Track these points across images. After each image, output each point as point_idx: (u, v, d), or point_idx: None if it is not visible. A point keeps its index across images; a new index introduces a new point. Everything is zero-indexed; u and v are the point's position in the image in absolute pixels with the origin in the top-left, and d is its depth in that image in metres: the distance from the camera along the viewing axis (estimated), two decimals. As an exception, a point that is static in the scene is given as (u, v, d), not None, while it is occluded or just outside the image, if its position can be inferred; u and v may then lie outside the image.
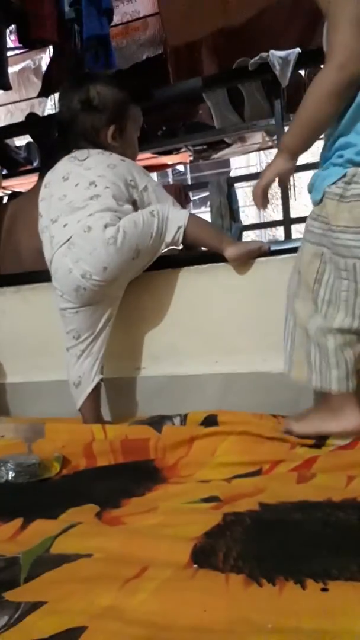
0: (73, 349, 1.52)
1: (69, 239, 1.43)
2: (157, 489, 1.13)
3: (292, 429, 1.24)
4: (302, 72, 2.51)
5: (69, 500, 1.08)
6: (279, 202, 2.82)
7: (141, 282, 1.60)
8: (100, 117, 1.54)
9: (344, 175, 1.10)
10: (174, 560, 0.81)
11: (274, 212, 3.64)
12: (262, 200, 1.28)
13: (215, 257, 1.57)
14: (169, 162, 3.19)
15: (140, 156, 2.55)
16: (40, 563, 0.84)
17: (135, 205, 1.53)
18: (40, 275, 1.72)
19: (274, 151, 3.28)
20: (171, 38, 2.64)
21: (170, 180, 3.70)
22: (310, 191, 1.21)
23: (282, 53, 2.26)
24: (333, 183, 1.12)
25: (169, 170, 3.66)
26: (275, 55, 2.26)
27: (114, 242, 1.41)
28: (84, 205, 1.44)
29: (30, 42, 2.51)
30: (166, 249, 1.52)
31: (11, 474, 1.20)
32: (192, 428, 1.34)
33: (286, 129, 2.45)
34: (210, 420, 1.36)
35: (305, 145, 1.18)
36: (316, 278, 1.19)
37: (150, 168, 3.06)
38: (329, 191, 1.13)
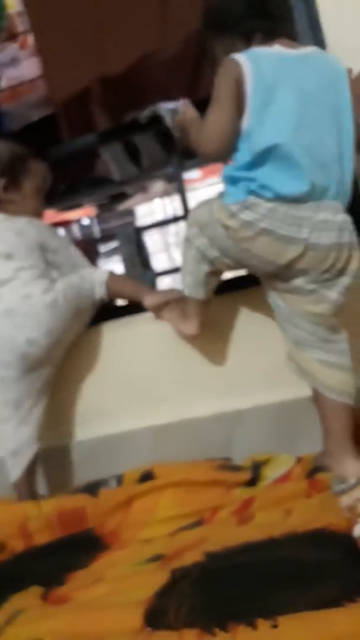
0: (11, 419, 1.52)
1: (7, 310, 1.47)
2: (101, 557, 1.14)
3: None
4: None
5: (10, 587, 1.07)
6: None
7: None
8: None
9: (244, 202, 1.25)
10: (128, 627, 0.83)
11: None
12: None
13: (133, 308, 1.64)
14: (73, 218, 3.27)
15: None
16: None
17: (51, 266, 1.58)
18: None
19: (177, 196, 3.45)
20: (54, 92, 2.75)
21: (77, 234, 3.79)
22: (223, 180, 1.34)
23: (170, 105, 2.43)
24: (232, 202, 1.27)
25: (75, 225, 3.74)
26: (164, 107, 2.43)
27: (56, 305, 1.49)
28: (13, 276, 1.50)
29: None
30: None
31: None
32: (128, 488, 1.37)
33: (185, 175, 2.61)
34: (146, 476, 1.40)
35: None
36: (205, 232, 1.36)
37: (55, 225, 3.11)
38: (225, 206, 1.28)
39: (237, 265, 1.37)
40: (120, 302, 1.75)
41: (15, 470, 1.51)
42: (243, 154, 1.25)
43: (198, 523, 1.18)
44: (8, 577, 1.15)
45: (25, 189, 1.64)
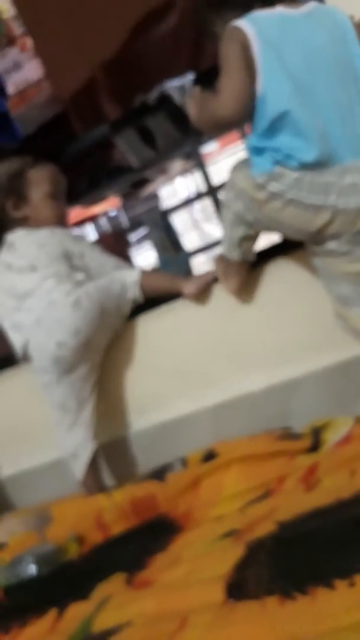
0: (62, 422, 1.59)
1: (38, 319, 1.54)
2: (177, 539, 1.20)
3: None
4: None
5: (96, 576, 1.14)
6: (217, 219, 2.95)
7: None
8: None
9: (270, 172, 1.26)
10: (211, 601, 0.88)
11: (215, 231, 3.79)
12: None
13: (168, 296, 1.67)
14: (99, 211, 3.31)
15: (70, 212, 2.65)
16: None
17: (77, 270, 1.62)
18: (3, 361, 1.79)
19: (198, 172, 3.44)
20: (59, 90, 2.78)
21: (106, 227, 3.83)
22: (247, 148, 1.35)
23: (177, 82, 2.42)
24: (259, 172, 1.27)
25: (104, 218, 3.78)
26: (171, 86, 2.42)
27: (79, 305, 1.53)
28: (38, 286, 1.56)
29: None
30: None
31: (33, 568, 1.25)
32: (194, 469, 1.42)
33: (203, 148, 2.61)
34: (209, 456, 1.44)
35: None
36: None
37: (82, 221, 3.16)
38: (253, 177, 1.28)
39: (270, 230, 1.39)
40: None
41: (78, 470, 1.58)
42: (261, 121, 1.24)
43: (266, 495, 1.22)
44: (93, 567, 1.22)
45: (35, 199, 1.66)
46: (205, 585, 0.94)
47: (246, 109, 1.24)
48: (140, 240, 4.01)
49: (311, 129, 1.21)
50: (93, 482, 1.58)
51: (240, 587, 0.89)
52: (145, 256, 3.62)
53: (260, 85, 1.22)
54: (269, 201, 1.26)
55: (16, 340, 1.60)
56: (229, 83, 1.24)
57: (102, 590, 1.08)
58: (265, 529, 1.05)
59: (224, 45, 1.26)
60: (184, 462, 1.50)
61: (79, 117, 3.04)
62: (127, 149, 2.81)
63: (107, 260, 1.69)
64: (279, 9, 1.26)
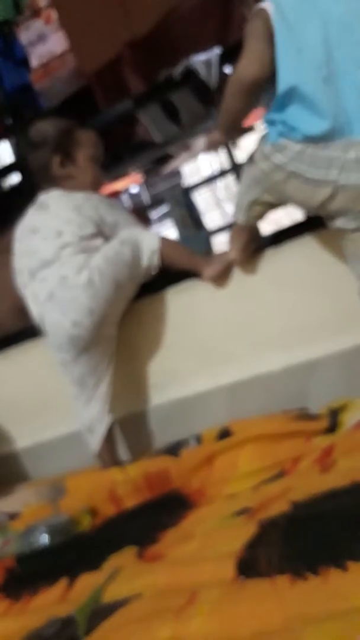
0: (80, 397, 1.58)
1: (50, 294, 1.51)
2: (189, 515, 1.19)
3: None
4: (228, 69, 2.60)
5: (107, 548, 1.14)
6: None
7: (125, 314, 1.67)
8: (44, 152, 1.61)
9: (277, 143, 1.26)
10: (221, 577, 0.87)
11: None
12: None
13: (188, 273, 1.65)
14: (121, 188, 3.28)
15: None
16: (96, 614, 0.89)
17: (107, 239, 1.59)
18: (23, 333, 1.79)
19: (221, 151, 3.38)
20: (84, 64, 2.74)
21: (127, 204, 3.80)
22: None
23: (203, 57, 2.36)
24: (270, 141, 1.28)
25: (125, 195, 3.75)
26: (197, 60, 2.37)
27: (91, 284, 1.48)
28: (56, 256, 1.52)
29: None
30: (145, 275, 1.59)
31: (46, 538, 1.26)
32: (208, 446, 1.41)
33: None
34: (224, 434, 1.43)
35: (230, 130, 1.42)
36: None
37: (104, 197, 3.14)
38: (261, 146, 1.32)
39: (282, 201, 1.38)
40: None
41: (94, 443, 1.58)
42: (275, 94, 1.24)
43: (280, 474, 1.20)
44: (105, 539, 1.22)
45: (80, 160, 1.62)
46: (216, 561, 0.93)
47: (269, 68, 1.23)
48: (161, 218, 3.97)
49: (325, 101, 1.20)
50: (108, 455, 1.58)
51: (251, 564, 0.88)
52: (166, 234, 3.59)
53: (275, 60, 1.23)
54: (272, 172, 1.28)
55: (34, 311, 1.59)
56: (248, 49, 1.26)
57: (113, 562, 1.08)
58: (279, 508, 1.03)
59: (249, 24, 1.28)
60: (199, 438, 1.49)
61: (102, 91, 3.00)
62: (151, 124, 2.76)
63: (136, 226, 1.65)
64: None
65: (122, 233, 1.57)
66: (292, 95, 1.22)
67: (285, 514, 1.01)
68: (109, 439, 1.59)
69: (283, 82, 1.22)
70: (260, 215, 1.44)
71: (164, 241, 1.59)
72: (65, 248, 1.51)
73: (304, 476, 1.15)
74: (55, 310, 1.51)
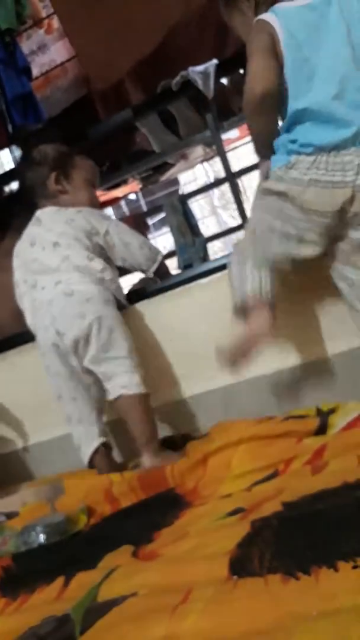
0: (69, 415, 1.58)
1: (49, 301, 1.53)
2: (184, 514, 1.19)
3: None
4: (224, 80, 2.62)
5: (103, 547, 1.13)
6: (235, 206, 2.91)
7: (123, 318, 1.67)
8: (43, 169, 1.68)
9: (287, 163, 1.26)
10: (214, 577, 0.87)
11: (232, 217, 3.75)
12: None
13: (186, 279, 1.65)
14: (120, 195, 3.29)
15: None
16: (91, 613, 0.89)
17: (102, 250, 1.63)
18: (21, 337, 1.78)
19: (217, 160, 3.40)
20: (96, 83, 2.75)
21: (126, 211, 3.81)
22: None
23: (200, 68, 2.37)
24: (277, 167, 1.29)
25: (123, 202, 3.76)
26: (195, 71, 2.38)
27: (85, 317, 1.49)
28: (57, 266, 1.55)
29: None
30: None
31: (42, 537, 1.25)
32: (203, 446, 1.40)
33: (223, 136, 2.57)
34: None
35: (261, 150, 1.38)
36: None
37: (103, 204, 3.15)
38: (272, 172, 1.30)
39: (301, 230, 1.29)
40: (175, 272, 1.77)
41: (84, 460, 1.56)
42: (285, 114, 1.26)
43: (273, 475, 1.20)
44: (101, 538, 1.22)
45: (76, 180, 1.70)
46: (210, 560, 0.92)
47: (275, 86, 1.23)
48: (157, 225, 3.98)
49: (337, 114, 1.20)
50: (103, 464, 1.56)
51: (243, 564, 0.88)
52: (162, 240, 3.59)
53: (285, 81, 1.23)
54: (291, 189, 1.25)
55: (28, 314, 1.61)
56: (256, 64, 1.25)
57: (109, 560, 1.08)
58: (271, 508, 1.03)
59: (253, 35, 1.27)
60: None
61: (103, 100, 3.01)
62: (149, 133, 2.77)
63: (132, 239, 1.68)
64: (300, 1, 1.25)
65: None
66: (302, 115, 1.23)
67: (277, 513, 1.01)
68: (102, 454, 1.56)
69: (295, 103, 1.22)
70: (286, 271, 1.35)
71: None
72: (65, 260, 1.55)
73: (296, 477, 1.15)
74: (47, 316, 1.52)
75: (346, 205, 1.22)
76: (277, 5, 1.27)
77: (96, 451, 1.55)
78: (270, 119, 1.30)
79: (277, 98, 1.25)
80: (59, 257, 1.55)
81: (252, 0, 1.34)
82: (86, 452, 1.55)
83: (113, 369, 1.49)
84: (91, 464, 1.56)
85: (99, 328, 1.48)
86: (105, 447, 1.56)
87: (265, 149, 1.36)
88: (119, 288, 1.66)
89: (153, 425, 1.53)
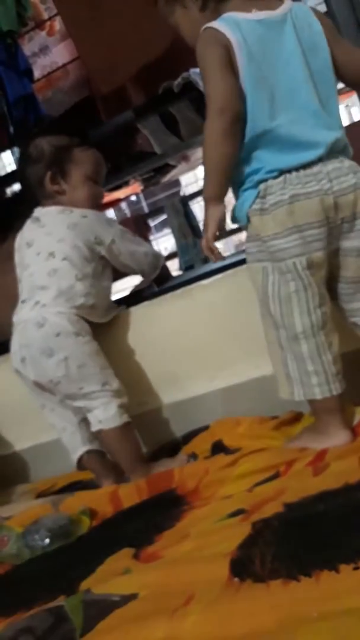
0: (49, 421, 1.58)
1: (24, 321, 1.49)
2: (185, 516, 1.18)
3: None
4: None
5: (104, 550, 1.13)
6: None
7: (124, 320, 1.67)
8: (40, 168, 1.60)
9: (258, 193, 1.19)
10: (215, 578, 0.87)
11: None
12: (215, 253, 1.25)
13: (188, 280, 1.65)
14: (121, 196, 3.28)
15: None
16: (92, 615, 0.88)
17: (104, 260, 1.59)
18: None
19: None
20: (101, 87, 2.74)
21: (127, 212, 3.81)
22: (234, 221, 1.28)
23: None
24: (251, 204, 1.20)
25: (124, 203, 3.76)
26: (196, 72, 2.38)
27: (53, 356, 1.44)
28: (43, 284, 1.49)
29: None
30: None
31: (47, 541, 1.23)
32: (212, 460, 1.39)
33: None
34: (217, 446, 1.44)
35: (224, 188, 1.21)
36: (265, 292, 1.25)
37: (104, 206, 3.14)
38: (250, 211, 1.21)
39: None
40: (175, 273, 1.77)
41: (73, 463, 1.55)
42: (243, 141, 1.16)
43: (275, 476, 1.20)
44: (101, 541, 1.21)
45: (74, 178, 1.60)
46: (211, 561, 0.92)
47: (237, 98, 1.12)
48: (159, 226, 3.98)
49: (300, 140, 1.16)
50: (95, 467, 1.54)
51: (244, 565, 0.88)
52: (163, 241, 3.59)
53: (244, 100, 1.13)
54: (277, 216, 1.16)
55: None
56: (215, 84, 1.13)
57: (109, 564, 1.07)
58: (272, 509, 1.03)
59: (204, 46, 1.14)
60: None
61: (105, 102, 3.01)
62: (151, 134, 2.77)
63: (138, 247, 1.65)
64: (257, 13, 1.14)
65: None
66: (263, 140, 1.15)
67: (278, 514, 1.01)
68: (92, 458, 1.54)
69: (254, 126, 1.14)
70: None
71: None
72: (52, 274, 1.50)
73: (297, 478, 1.15)
74: (16, 337, 1.50)
75: (335, 210, 1.17)
76: (229, 15, 1.15)
77: (83, 458, 1.53)
78: (236, 145, 1.15)
79: (243, 121, 1.13)
80: (48, 269, 1.49)
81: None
82: (73, 459, 1.55)
83: (88, 404, 1.46)
84: (82, 469, 1.56)
85: (67, 367, 1.43)
86: (94, 452, 1.53)
87: (222, 184, 1.20)
88: (106, 309, 1.62)
89: (135, 449, 1.50)
